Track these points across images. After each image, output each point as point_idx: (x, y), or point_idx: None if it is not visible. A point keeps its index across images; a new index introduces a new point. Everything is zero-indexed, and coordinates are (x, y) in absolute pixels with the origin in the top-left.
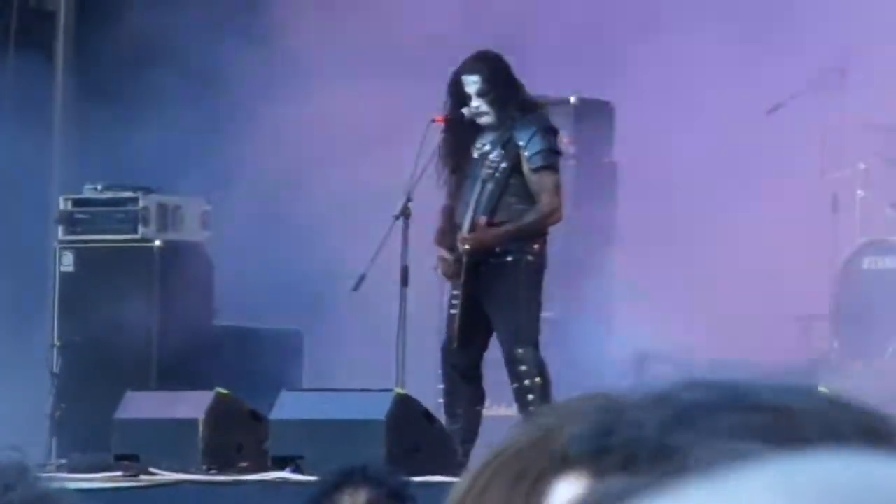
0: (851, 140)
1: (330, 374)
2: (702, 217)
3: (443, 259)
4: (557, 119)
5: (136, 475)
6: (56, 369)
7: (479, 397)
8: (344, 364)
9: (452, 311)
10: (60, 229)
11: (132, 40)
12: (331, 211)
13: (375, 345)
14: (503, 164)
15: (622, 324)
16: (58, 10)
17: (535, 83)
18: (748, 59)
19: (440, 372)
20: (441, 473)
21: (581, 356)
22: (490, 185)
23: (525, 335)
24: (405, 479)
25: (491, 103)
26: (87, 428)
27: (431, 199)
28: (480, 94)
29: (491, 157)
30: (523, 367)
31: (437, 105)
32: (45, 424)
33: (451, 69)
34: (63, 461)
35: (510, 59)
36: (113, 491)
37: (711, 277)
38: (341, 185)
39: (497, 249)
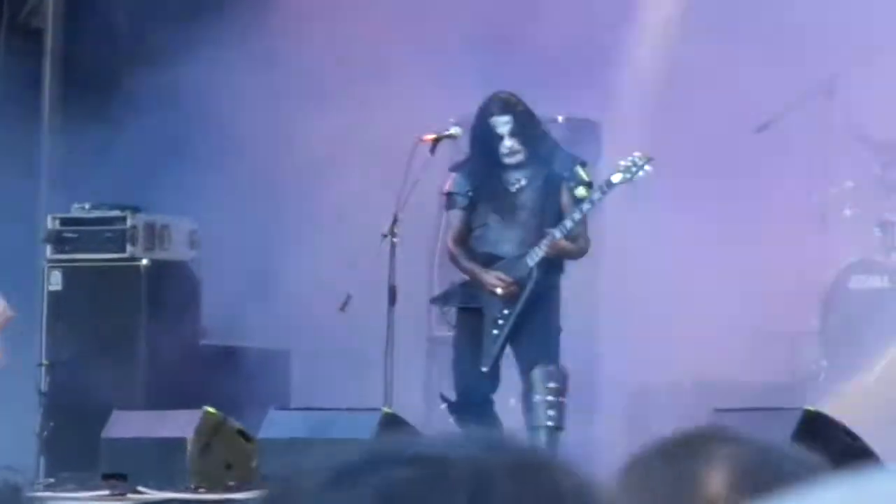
0: (839, 159)
1: (318, 393)
2: (689, 235)
3: (503, 280)
4: None
5: (123, 494)
6: (44, 388)
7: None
8: (331, 383)
9: (496, 332)
10: (48, 248)
11: (121, 60)
12: (318, 230)
13: (363, 364)
14: (553, 198)
15: (609, 342)
16: (45, 29)
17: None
18: (736, 76)
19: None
20: None
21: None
22: (547, 218)
23: (555, 355)
24: None
25: (523, 142)
26: (74, 447)
27: (419, 218)
28: (513, 134)
29: (539, 189)
30: (552, 384)
31: (423, 124)
32: (33, 443)
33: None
34: (51, 480)
35: (500, 77)
36: None
37: (699, 296)
38: (329, 204)
39: (549, 272)
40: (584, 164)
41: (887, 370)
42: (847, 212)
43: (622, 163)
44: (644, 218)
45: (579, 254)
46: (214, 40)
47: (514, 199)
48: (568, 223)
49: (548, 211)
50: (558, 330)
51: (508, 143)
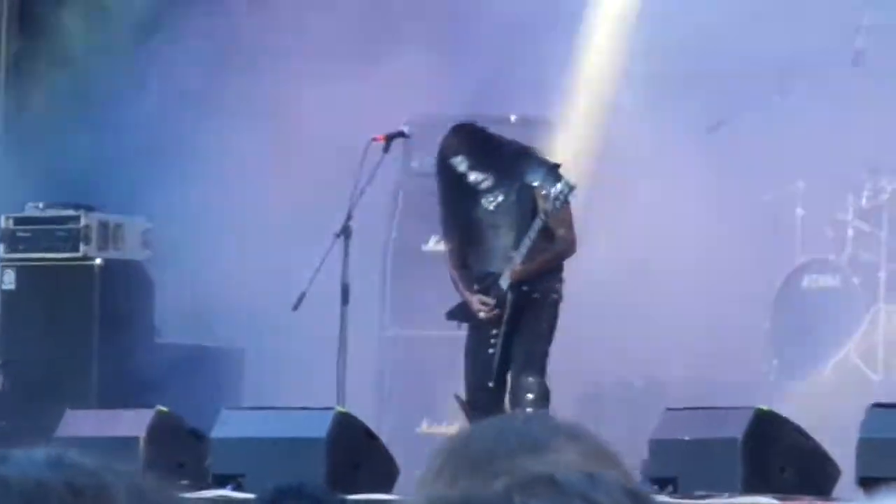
0: (791, 159)
1: (271, 393)
2: (641, 234)
3: (483, 303)
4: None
5: None
6: None
7: None
8: (285, 382)
9: (491, 351)
10: (2, 247)
11: (72, 59)
12: (271, 229)
13: (316, 363)
14: (527, 208)
15: (560, 342)
16: None
17: (476, 102)
18: (686, 76)
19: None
20: (381, 491)
21: None
22: (525, 228)
23: (537, 364)
24: (342, 497)
25: (486, 170)
26: (27, 446)
27: (372, 217)
28: (472, 168)
29: (513, 203)
30: (530, 396)
31: (376, 123)
32: None
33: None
34: None
35: (453, 76)
36: None
37: (650, 294)
38: (281, 203)
39: (524, 287)
40: (554, 168)
41: (839, 369)
42: (799, 211)
43: (553, 190)
44: (594, 217)
45: (556, 259)
46: (170, 39)
47: (495, 219)
48: (523, 249)
49: (526, 223)
50: (547, 340)
51: (472, 177)
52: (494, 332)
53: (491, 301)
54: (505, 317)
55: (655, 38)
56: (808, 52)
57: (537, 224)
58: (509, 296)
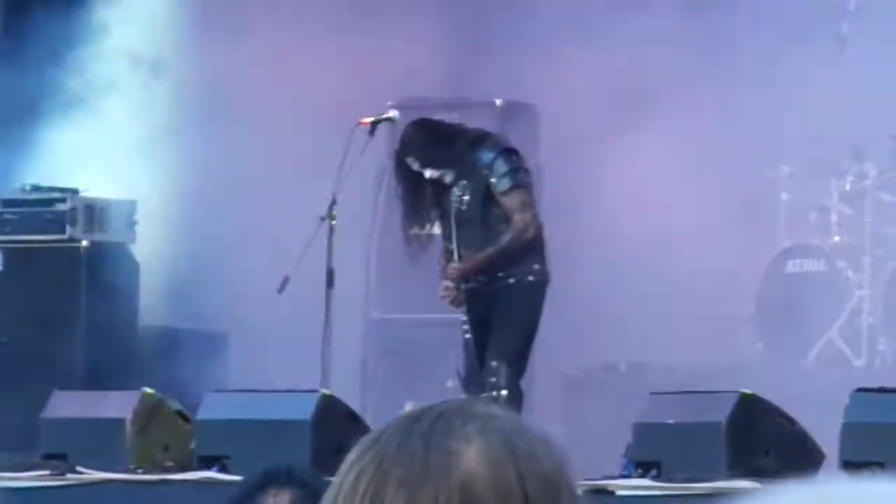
0: (776, 144)
1: (255, 375)
2: (626, 221)
3: (447, 289)
4: (482, 122)
5: (63, 474)
6: None
7: None
8: (269, 365)
9: (467, 336)
10: None
11: (59, 38)
12: (257, 212)
13: (300, 346)
14: (465, 197)
15: (545, 326)
16: None
17: (461, 86)
18: (674, 58)
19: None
20: None
21: None
22: (469, 218)
23: (504, 350)
24: (329, 479)
25: (441, 166)
26: (14, 427)
27: (357, 201)
28: (426, 166)
29: (471, 194)
30: (492, 379)
31: (362, 107)
32: None
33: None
34: None
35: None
36: (40, 490)
37: (635, 280)
38: (267, 185)
39: (500, 273)
40: (504, 152)
41: (823, 353)
42: (783, 196)
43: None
44: (578, 202)
45: (506, 248)
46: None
47: (460, 212)
48: (453, 248)
49: (485, 213)
50: (523, 326)
51: (428, 173)
52: (464, 318)
53: (450, 285)
54: (465, 307)
55: (644, 26)
56: (791, 36)
57: (453, 209)
58: (462, 286)
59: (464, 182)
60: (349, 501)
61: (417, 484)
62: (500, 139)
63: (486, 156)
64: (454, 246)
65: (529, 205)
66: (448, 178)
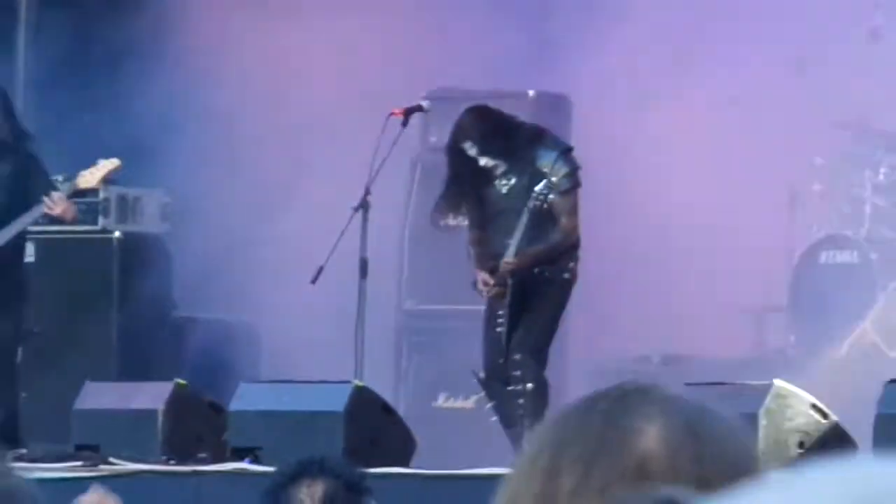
0: (809, 135)
1: (289, 366)
2: (659, 211)
3: (485, 282)
4: (515, 114)
5: (95, 465)
6: (17, 359)
7: None
8: (303, 356)
9: (498, 330)
10: None
11: (95, 26)
12: (290, 202)
13: (334, 337)
14: (551, 196)
15: (577, 319)
16: None
17: (493, 77)
18: (706, 49)
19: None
20: (398, 464)
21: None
22: (534, 214)
23: (530, 343)
24: (362, 471)
25: (496, 156)
26: (47, 418)
27: (390, 191)
28: (482, 154)
29: (538, 189)
30: (517, 373)
31: (396, 97)
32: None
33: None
34: (23, 451)
35: (473, 51)
36: (73, 481)
37: (668, 271)
38: (300, 175)
39: (535, 270)
40: (566, 153)
41: (856, 345)
42: (816, 187)
43: (558, 176)
44: (612, 193)
45: (552, 250)
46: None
47: (507, 202)
48: (516, 236)
49: (543, 210)
50: (550, 321)
51: (482, 161)
52: (500, 311)
53: (491, 280)
54: (507, 300)
55: (673, 17)
56: (825, 28)
57: (525, 212)
58: (509, 281)
59: (512, 174)
60: (526, 477)
61: (592, 459)
62: (558, 138)
63: (548, 154)
64: (516, 239)
65: (577, 209)
66: (499, 170)
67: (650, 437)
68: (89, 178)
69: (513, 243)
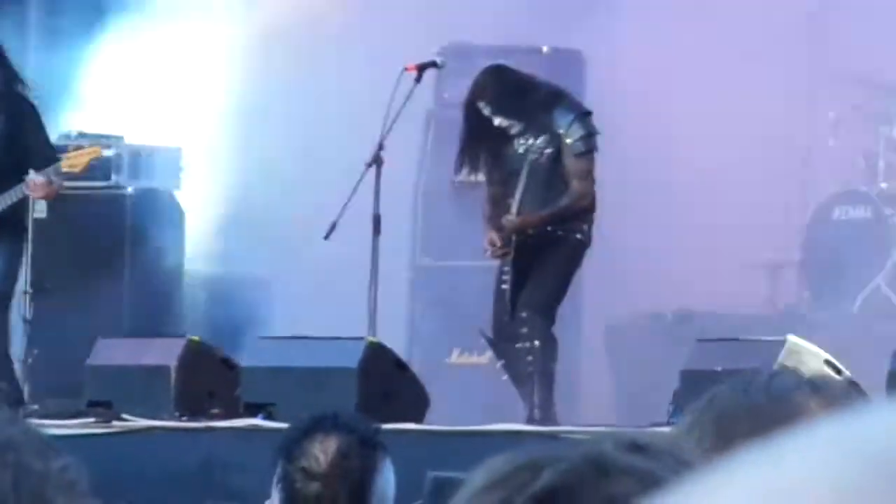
0: (822, 90)
1: (302, 322)
2: (673, 167)
3: (491, 242)
4: (529, 69)
5: (108, 421)
6: (28, 315)
7: None
8: (316, 312)
9: (503, 287)
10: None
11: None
12: (303, 158)
13: (347, 292)
14: (548, 150)
15: (590, 276)
16: None
17: (506, 32)
18: (722, 6)
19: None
20: (412, 420)
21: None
22: (538, 172)
23: (538, 301)
24: (376, 426)
25: (511, 116)
26: (59, 374)
27: (404, 147)
28: (496, 113)
29: (537, 144)
30: (524, 330)
31: (407, 52)
32: (17, 370)
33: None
34: (35, 407)
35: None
36: (85, 437)
37: (681, 227)
38: (313, 131)
39: (548, 228)
40: (583, 115)
41: (870, 300)
42: (831, 142)
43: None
44: (626, 152)
45: (563, 212)
46: None
47: (523, 163)
48: (517, 195)
49: (548, 170)
50: (560, 280)
51: (497, 121)
52: (506, 268)
53: (499, 241)
54: (510, 258)
55: None
56: None
57: (525, 167)
58: (514, 238)
59: (529, 135)
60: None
61: (765, 435)
62: (576, 100)
63: (565, 116)
64: (517, 198)
65: (591, 174)
66: (515, 130)
67: (813, 407)
68: (74, 161)
69: (514, 201)
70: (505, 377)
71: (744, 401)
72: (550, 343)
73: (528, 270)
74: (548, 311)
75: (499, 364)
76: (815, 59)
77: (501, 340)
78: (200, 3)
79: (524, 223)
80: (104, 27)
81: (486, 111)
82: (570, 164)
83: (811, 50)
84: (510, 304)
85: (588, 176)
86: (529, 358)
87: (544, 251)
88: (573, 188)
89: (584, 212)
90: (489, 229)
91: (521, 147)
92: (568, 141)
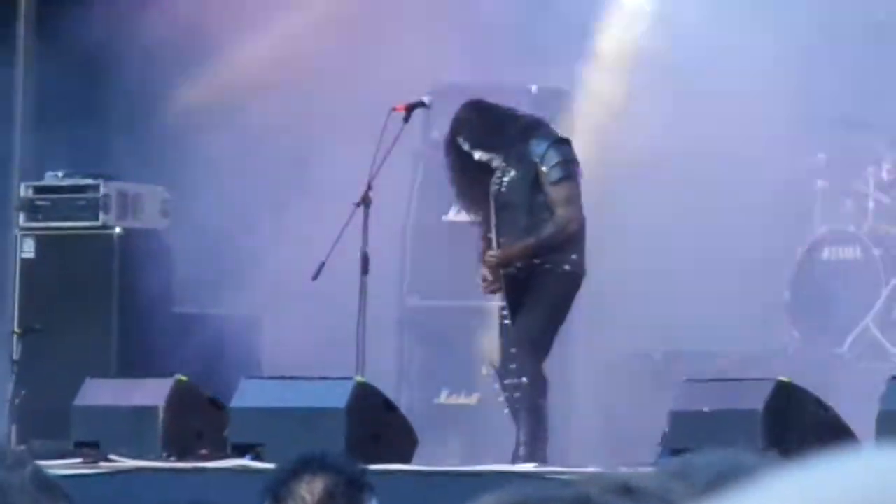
0: (812, 131)
1: (290, 363)
2: (659, 207)
3: (483, 278)
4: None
5: (95, 462)
6: (16, 356)
7: None
8: (304, 352)
9: (505, 322)
10: (21, 216)
11: (95, 25)
12: (291, 198)
13: (335, 333)
14: (525, 181)
15: (581, 313)
16: None
17: (495, 71)
18: (707, 44)
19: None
20: (400, 461)
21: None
22: (518, 204)
23: (527, 337)
24: (363, 466)
25: (491, 149)
26: (46, 415)
27: (392, 187)
28: (476, 148)
29: (514, 176)
30: (512, 366)
31: (397, 94)
32: (4, 411)
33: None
34: (23, 448)
35: (473, 46)
36: (72, 478)
37: (670, 267)
38: (302, 173)
39: (536, 260)
40: (558, 143)
41: (859, 341)
42: (819, 183)
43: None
44: (612, 188)
45: (546, 240)
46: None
47: (507, 197)
48: (493, 236)
49: (531, 201)
50: (550, 314)
51: (477, 155)
52: (503, 304)
53: (490, 277)
54: (503, 293)
55: (672, 17)
56: (827, 22)
57: (498, 205)
58: (501, 271)
59: (510, 167)
60: None
61: None
62: (553, 129)
63: (540, 145)
64: (493, 232)
65: (575, 199)
66: (496, 163)
67: None
68: None
69: (493, 236)
70: (506, 410)
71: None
72: (539, 381)
73: (519, 306)
74: (537, 346)
75: (501, 398)
76: (805, 100)
77: (506, 376)
78: (180, 38)
79: (506, 256)
80: None
81: (466, 146)
82: (550, 191)
83: (801, 91)
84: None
85: (571, 202)
86: (517, 395)
87: (533, 285)
88: (557, 215)
89: (571, 239)
90: (482, 266)
91: (504, 182)
92: (544, 169)
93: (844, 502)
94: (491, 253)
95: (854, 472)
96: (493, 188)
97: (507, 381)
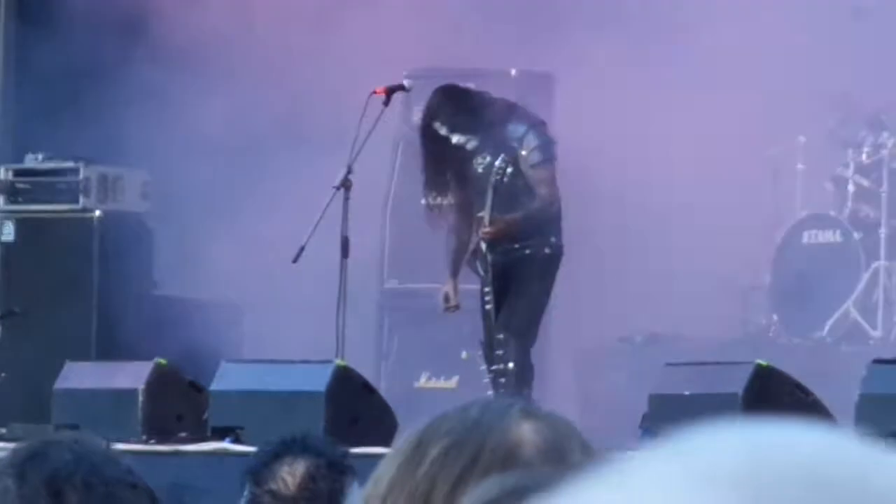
0: (792, 113)
1: (270, 345)
2: (641, 191)
3: (446, 296)
4: (497, 92)
5: None
6: None
7: None
8: (284, 335)
9: (487, 307)
10: (1, 199)
11: (74, 8)
12: (271, 181)
13: (315, 316)
14: (509, 169)
15: (560, 299)
16: None
17: (475, 55)
18: (687, 25)
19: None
20: (380, 444)
21: None
22: (502, 189)
23: (512, 323)
24: (344, 449)
25: (468, 132)
26: (26, 398)
27: (372, 170)
28: (453, 131)
29: (496, 164)
30: (499, 352)
31: (378, 78)
32: None
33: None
34: (3, 431)
35: (454, 29)
36: None
37: (649, 251)
38: (281, 155)
39: (516, 244)
40: (535, 126)
41: (839, 324)
42: (799, 166)
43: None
44: (594, 173)
45: (530, 218)
46: None
47: (485, 181)
48: (487, 207)
49: (511, 185)
50: (535, 299)
51: (454, 139)
52: (487, 289)
53: (452, 296)
54: (489, 278)
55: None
56: (810, 4)
57: (489, 188)
58: (489, 257)
59: (487, 150)
60: (397, 457)
61: (463, 433)
62: (529, 112)
63: (518, 128)
64: (487, 214)
65: (554, 181)
66: (471, 145)
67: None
68: None
69: (485, 213)
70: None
71: (458, 412)
72: (525, 368)
73: (505, 292)
74: (523, 334)
75: (485, 380)
76: (785, 83)
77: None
78: (164, 31)
79: (499, 229)
80: None
81: (443, 131)
82: (530, 174)
83: (781, 74)
84: (495, 321)
85: (552, 182)
86: (502, 380)
87: (516, 271)
88: (541, 195)
89: (553, 218)
90: (454, 243)
91: (480, 166)
92: (523, 153)
93: (713, 481)
94: (485, 229)
95: (723, 448)
96: (474, 173)
97: (493, 367)
